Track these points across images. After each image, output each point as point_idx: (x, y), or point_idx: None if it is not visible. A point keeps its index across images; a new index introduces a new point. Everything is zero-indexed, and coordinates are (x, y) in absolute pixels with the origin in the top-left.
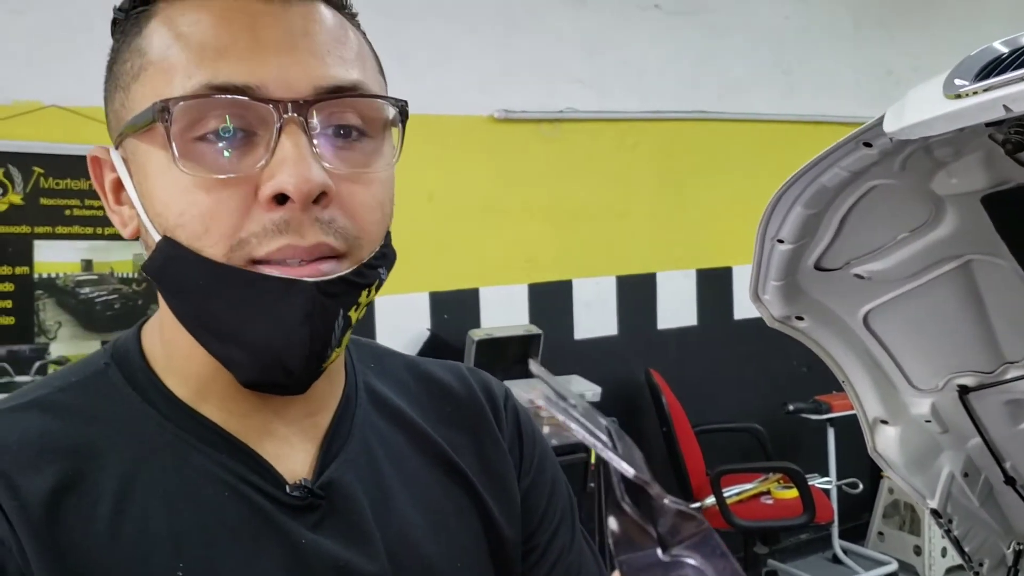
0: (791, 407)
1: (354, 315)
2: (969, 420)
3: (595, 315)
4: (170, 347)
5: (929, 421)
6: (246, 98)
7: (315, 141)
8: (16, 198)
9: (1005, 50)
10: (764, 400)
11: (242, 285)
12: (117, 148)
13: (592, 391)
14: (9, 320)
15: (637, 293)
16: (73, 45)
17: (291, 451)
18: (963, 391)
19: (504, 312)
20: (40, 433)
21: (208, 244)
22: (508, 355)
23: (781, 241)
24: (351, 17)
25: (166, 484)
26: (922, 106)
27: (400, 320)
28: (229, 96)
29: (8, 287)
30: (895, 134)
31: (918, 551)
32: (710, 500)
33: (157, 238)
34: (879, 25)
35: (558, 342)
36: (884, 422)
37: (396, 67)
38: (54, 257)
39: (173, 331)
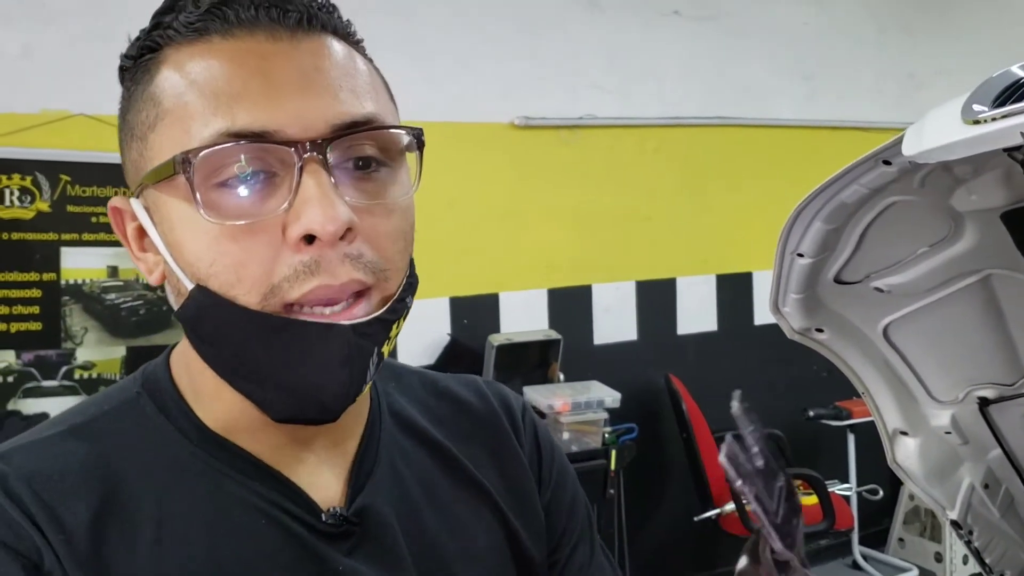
0: (811, 413)
1: (386, 349)
2: (989, 432)
3: (615, 320)
4: (197, 383)
5: (949, 433)
6: (265, 143)
7: (335, 177)
8: (44, 205)
9: (1023, 74)
10: (784, 406)
11: (280, 332)
12: (137, 197)
13: (612, 397)
14: (36, 326)
15: (657, 298)
16: (100, 55)
17: (321, 478)
18: (983, 403)
19: (524, 317)
20: (80, 462)
21: (242, 292)
22: (528, 360)
23: (801, 255)
24: (357, 44)
25: (203, 511)
26: (941, 130)
27: (420, 325)
28: (248, 142)
29: (36, 293)
30: (914, 157)
31: (939, 558)
32: (729, 506)
33: (190, 286)
34: (901, 29)
35: (578, 347)
36: (904, 433)
37: (418, 74)
38: (81, 264)
39: (201, 370)
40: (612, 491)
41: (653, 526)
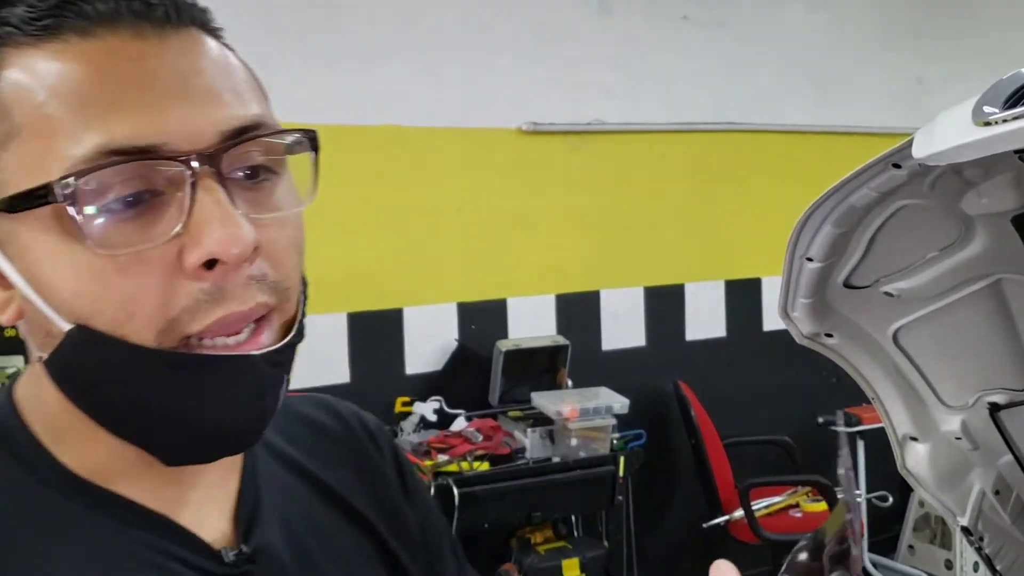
0: (821, 419)
1: (290, 375)
2: (1000, 437)
3: (623, 326)
4: (58, 425)
5: (959, 438)
6: (152, 159)
7: (229, 192)
8: None
9: None
10: (793, 412)
11: (187, 370)
12: None
13: (620, 403)
14: None
15: (665, 304)
16: None
17: (208, 519)
18: (994, 408)
19: (532, 323)
20: None
21: (134, 330)
22: (536, 366)
23: (810, 259)
24: (222, 38)
25: (83, 569)
26: (952, 132)
27: (428, 330)
28: (134, 159)
29: None
30: (925, 160)
31: (949, 565)
32: (739, 513)
33: (65, 327)
34: (909, 34)
35: (586, 353)
36: (914, 439)
37: (426, 80)
38: None
39: (62, 414)
40: (620, 497)
41: (662, 533)
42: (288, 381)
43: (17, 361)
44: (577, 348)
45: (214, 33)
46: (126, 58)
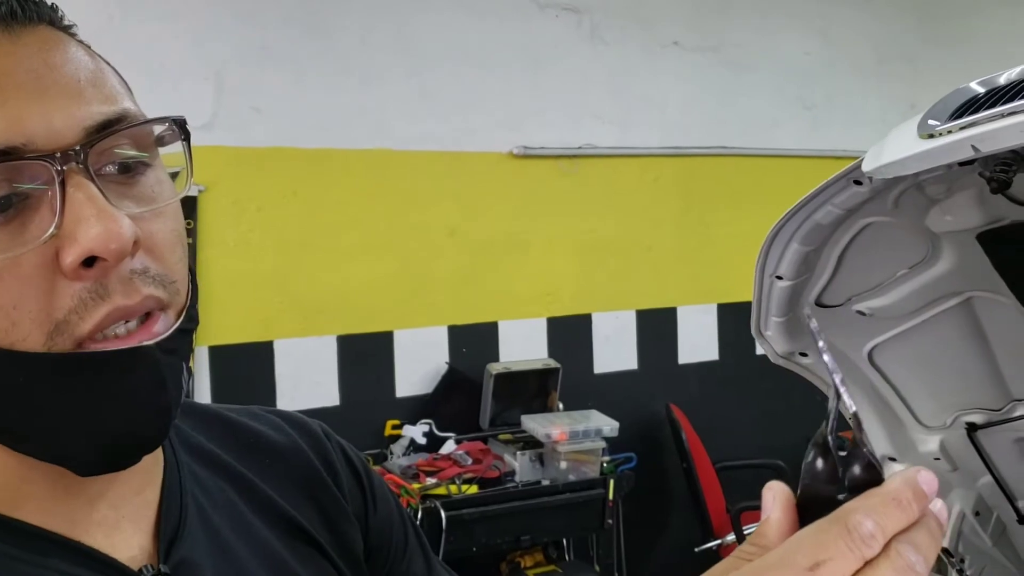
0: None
1: (191, 364)
2: (979, 458)
3: (615, 349)
4: None
5: (938, 459)
6: (19, 160)
7: (101, 186)
8: None
9: (981, 90)
10: (786, 436)
11: (78, 370)
12: None
13: (610, 426)
14: None
15: (657, 327)
16: None
17: (125, 537)
18: (971, 428)
19: (523, 346)
20: None
21: (20, 338)
22: (526, 389)
23: (780, 277)
24: (75, 35)
25: None
26: (898, 146)
27: (419, 353)
28: (1, 161)
29: None
30: (871, 172)
31: None
32: (731, 537)
33: None
34: (902, 59)
35: (577, 376)
36: (892, 459)
37: (419, 104)
38: None
39: None
40: (611, 521)
41: (653, 557)
42: (189, 371)
43: None
44: (569, 371)
45: (67, 31)
46: None
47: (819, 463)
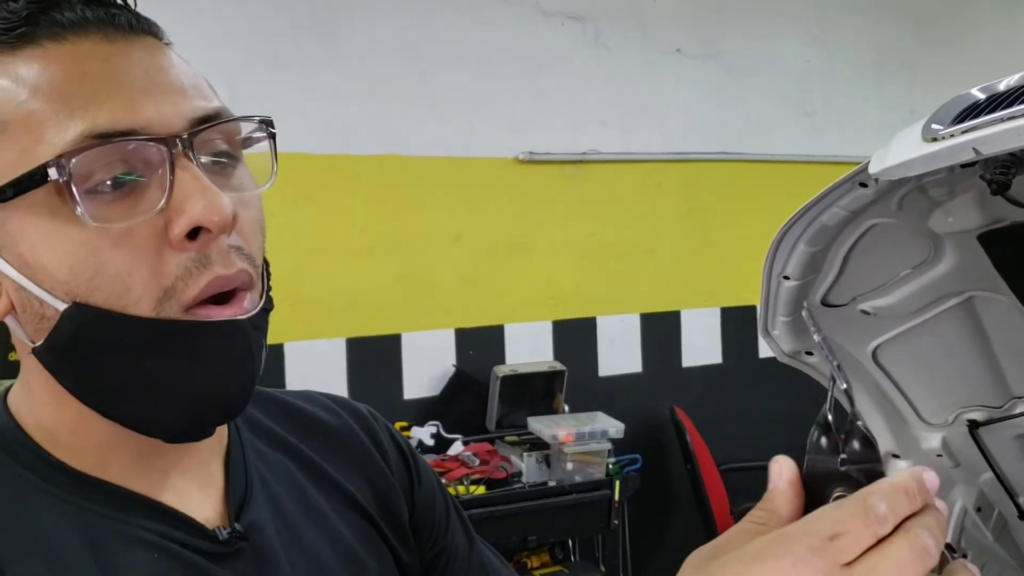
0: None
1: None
2: (980, 455)
3: (619, 352)
4: (50, 424)
5: (940, 455)
6: (140, 140)
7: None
8: None
9: (982, 96)
10: (789, 438)
11: (183, 336)
12: None
13: (616, 427)
14: None
15: (662, 331)
16: None
17: (196, 502)
18: (973, 425)
19: (529, 348)
20: None
21: (132, 301)
22: (532, 391)
23: (787, 277)
24: (171, 47)
25: (94, 558)
26: (902, 149)
27: (426, 355)
28: (119, 141)
29: None
30: (877, 175)
31: None
32: None
33: (61, 307)
34: (902, 65)
35: (582, 379)
36: (896, 456)
37: (425, 110)
38: None
39: (57, 408)
40: (616, 522)
41: (658, 557)
42: (265, 347)
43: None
44: (574, 374)
45: (163, 38)
46: (98, 58)
47: (822, 440)
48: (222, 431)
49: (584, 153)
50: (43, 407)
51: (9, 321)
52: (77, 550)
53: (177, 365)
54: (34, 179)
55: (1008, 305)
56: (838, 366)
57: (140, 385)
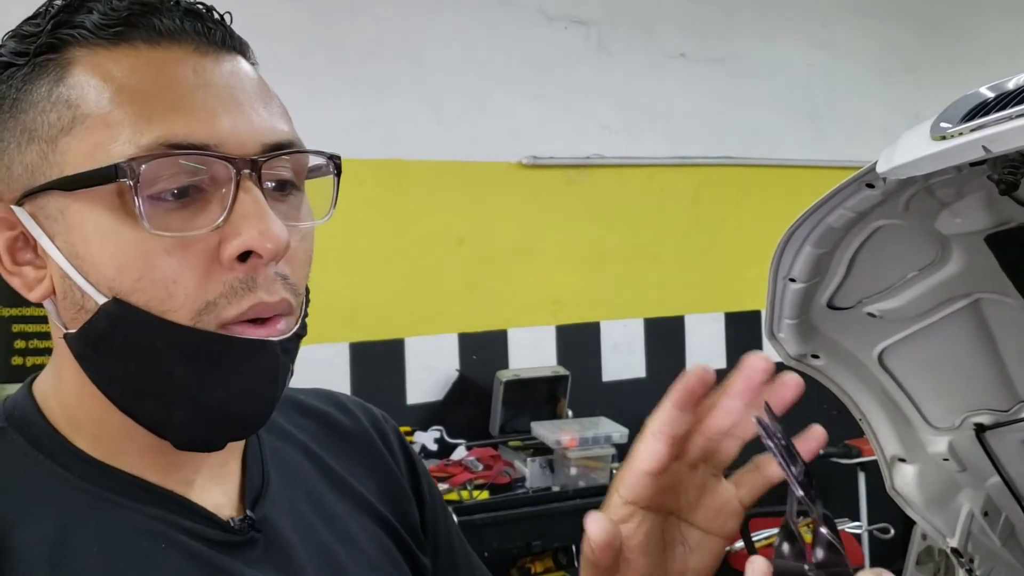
0: (821, 451)
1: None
2: (987, 458)
3: (623, 357)
4: (73, 410)
5: (947, 459)
6: (210, 156)
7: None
8: None
9: (991, 94)
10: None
11: (212, 348)
12: (20, 204)
13: (619, 432)
14: (43, 360)
15: (665, 336)
16: None
17: (212, 496)
18: (979, 429)
19: (532, 353)
20: None
21: (172, 308)
22: (536, 396)
23: (793, 280)
24: (257, 68)
25: (100, 546)
26: (911, 147)
27: (429, 360)
28: (192, 153)
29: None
30: (885, 174)
31: None
32: (739, 544)
33: (101, 300)
34: (907, 70)
35: (586, 384)
36: (902, 460)
37: (429, 115)
38: None
39: (82, 397)
40: None
41: None
42: (292, 372)
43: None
44: (577, 379)
45: (252, 60)
46: (187, 68)
47: (785, 546)
48: None
49: (588, 157)
50: (69, 392)
51: (47, 304)
52: (84, 536)
53: (202, 375)
54: (103, 177)
55: (1016, 307)
56: (799, 481)
57: (161, 388)
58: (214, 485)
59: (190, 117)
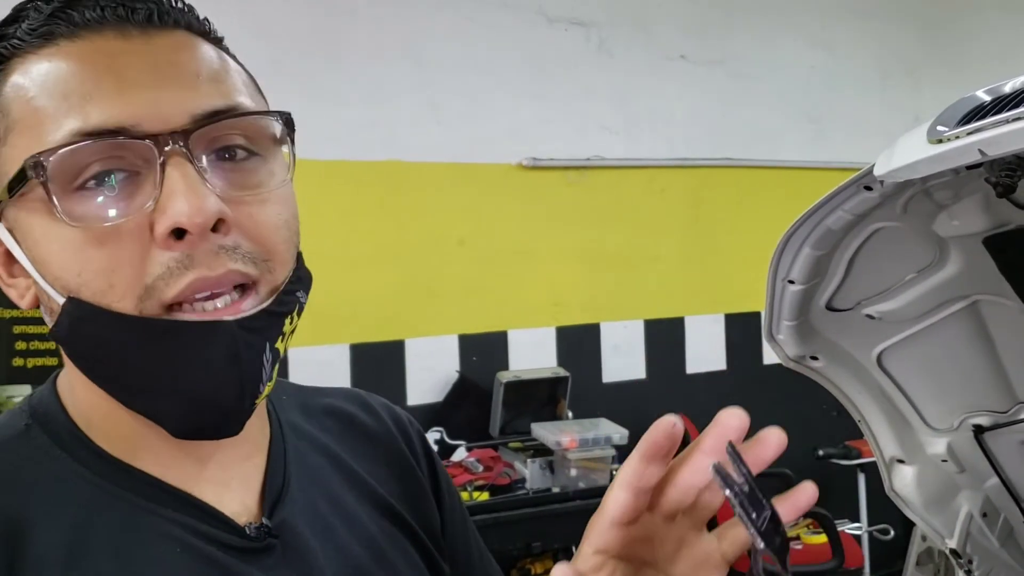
0: (821, 452)
1: (281, 346)
2: (986, 460)
3: (623, 359)
4: (87, 407)
5: (946, 460)
6: (121, 138)
7: (204, 169)
8: None
9: (987, 98)
10: (794, 445)
11: (160, 335)
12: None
13: (620, 434)
14: (53, 361)
15: (665, 337)
16: None
17: (233, 496)
18: (978, 431)
19: (532, 354)
20: None
21: (116, 299)
22: (536, 397)
23: (792, 282)
24: (218, 42)
25: (115, 546)
26: (908, 151)
27: (430, 361)
28: (104, 139)
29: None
30: (883, 176)
31: None
32: None
33: (61, 300)
34: (906, 72)
35: (586, 385)
36: (901, 461)
37: (429, 116)
38: None
39: (87, 392)
40: None
41: None
42: (276, 352)
43: (24, 390)
44: (577, 380)
45: (208, 37)
46: (105, 54)
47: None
48: (263, 428)
49: (588, 159)
50: (78, 390)
51: (41, 309)
52: (99, 536)
53: (158, 363)
54: (20, 179)
55: (1013, 309)
56: (761, 531)
57: (134, 381)
58: (236, 482)
59: (105, 102)
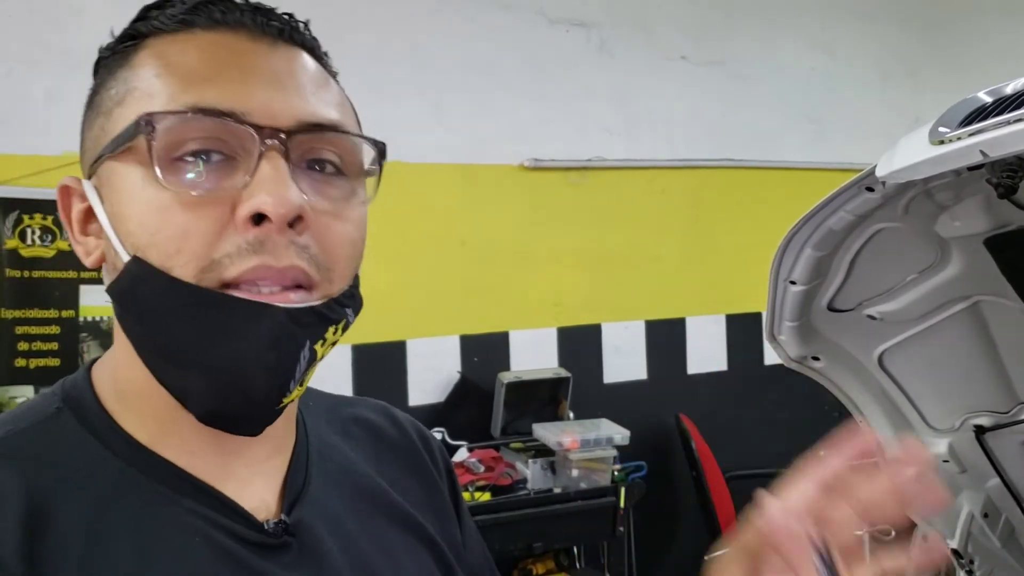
0: (823, 453)
1: (320, 350)
2: (987, 460)
3: (624, 359)
4: (125, 386)
5: (947, 461)
6: (230, 120)
7: (293, 170)
8: (64, 244)
9: (989, 99)
10: (795, 446)
11: (211, 307)
12: (90, 178)
13: (621, 434)
14: (55, 362)
15: (666, 338)
16: None
17: (254, 491)
18: (979, 431)
19: (534, 355)
20: None
21: (179, 264)
22: (537, 398)
23: (793, 282)
24: (333, 74)
25: (134, 532)
26: (909, 152)
27: (431, 362)
28: (213, 118)
29: (55, 330)
30: (885, 178)
31: None
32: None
33: (126, 258)
34: (907, 73)
35: (587, 386)
36: None
37: (431, 117)
38: (99, 301)
39: (130, 368)
40: (622, 529)
41: (664, 565)
42: (314, 354)
43: (26, 391)
44: (579, 380)
45: (322, 61)
46: (234, 51)
47: None
48: (289, 429)
49: (589, 160)
50: (120, 365)
51: (103, 270)
52: (120, 520)
53: (200, 333)
54: (130, 134)
55: (1014, 310)
56: None
57: (172, 348)
58: (258, 479)
59: (224, 87)
